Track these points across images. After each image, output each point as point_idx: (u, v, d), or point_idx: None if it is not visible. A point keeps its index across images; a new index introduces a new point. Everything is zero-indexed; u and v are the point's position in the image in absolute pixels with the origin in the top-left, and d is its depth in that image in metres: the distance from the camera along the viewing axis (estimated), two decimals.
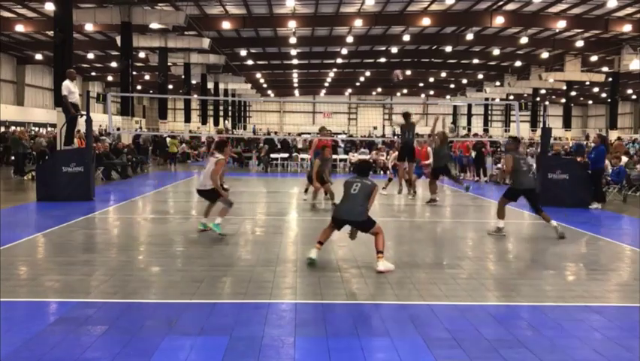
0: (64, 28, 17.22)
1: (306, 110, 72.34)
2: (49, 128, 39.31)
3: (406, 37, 34.88)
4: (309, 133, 41.71)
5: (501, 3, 29.43)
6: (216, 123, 49.93)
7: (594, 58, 38.78)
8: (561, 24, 30.54)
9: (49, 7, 23.17)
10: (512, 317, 5.21)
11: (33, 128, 39.92)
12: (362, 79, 57.59)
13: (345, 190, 7.11)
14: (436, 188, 13.57)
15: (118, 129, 29.84)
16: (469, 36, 33.46)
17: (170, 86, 48.87)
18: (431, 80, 56.55)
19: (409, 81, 59.13)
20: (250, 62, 46.57)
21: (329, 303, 5.49)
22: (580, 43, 34.52)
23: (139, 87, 55.28)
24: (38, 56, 40.91)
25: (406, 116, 13.87)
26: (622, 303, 5.82)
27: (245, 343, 4.44)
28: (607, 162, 15.94)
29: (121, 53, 27.76)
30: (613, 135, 36.95)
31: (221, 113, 54.16)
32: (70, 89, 13.77)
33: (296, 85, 64.18)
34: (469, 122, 61.86)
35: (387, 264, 6.81)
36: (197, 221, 9.54)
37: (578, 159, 16.82)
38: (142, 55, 38.57)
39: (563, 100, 53.81)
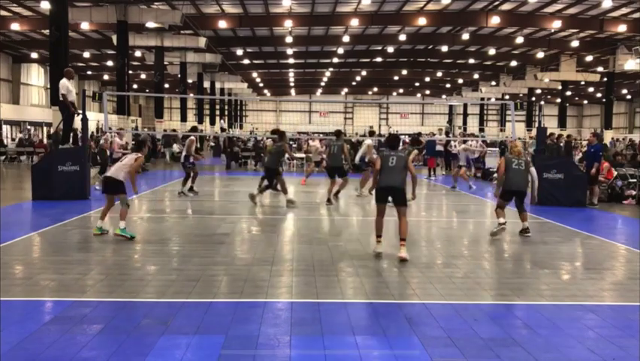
0: (60, 26, 17.14)
1: (303, 110, 72.37)
2: (44, 127, 39.15)
3: (402, 37, 34.86)
4: (306, 133, 41.82)
5: (497, 3, 29.43)
6: (212, 122, 49.88)
7: (589, 58, 38.86)
8: (556, 24, 30.57)
9: (45, 6, 23.06)
10: (507, 316, 5.23)
11: (29, 127, 39.81)
12: (358, 78, 57.57)
13: (383, 164, 7.64)
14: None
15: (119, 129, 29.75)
16: (465, 36, 33.48)
17: (167, 85, 48.77)
18: (427, 79, 56.55)
19: (405, 81, 59.19)
20: (246, 61, 46.48)
21: (325, 302, 5.50)
22: (575, 44, 34.58)
23: (135, 86, 55.14)
24: (34, 55, 40.75)
25: (337, 133, 14.08)
26: (616, 302, 5.85)
27: (241, 342, 4.45)
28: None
29: (117, 52, 27.69)
30: (607, 135, 37.11)
31: (218, 112, 54.07)
32: (69, 87, 13.75)
33: (292, 84, 64.10)
34: (464, 122, 61.91)
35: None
36: (195, 220, 9.51)
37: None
38: (138, 54, 38.43)
39: (559, 100, 53.84)
